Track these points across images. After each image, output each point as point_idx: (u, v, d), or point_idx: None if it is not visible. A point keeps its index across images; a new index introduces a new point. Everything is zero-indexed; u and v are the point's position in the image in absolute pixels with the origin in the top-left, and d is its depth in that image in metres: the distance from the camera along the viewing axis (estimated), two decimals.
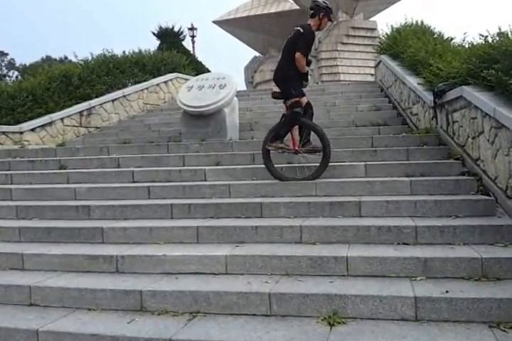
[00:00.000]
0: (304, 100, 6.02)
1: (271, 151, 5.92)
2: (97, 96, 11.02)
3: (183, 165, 6.94)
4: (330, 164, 5.80)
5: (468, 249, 3.98)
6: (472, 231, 4.16)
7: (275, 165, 5.94)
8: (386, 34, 12.39)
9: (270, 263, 4.06)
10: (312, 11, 6.07)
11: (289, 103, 5.92)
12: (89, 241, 4.95)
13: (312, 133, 5.97)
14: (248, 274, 4.06)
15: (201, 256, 4.21)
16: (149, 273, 4.26)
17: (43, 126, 9.51)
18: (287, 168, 6.08)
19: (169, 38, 19.25)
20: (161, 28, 19.91)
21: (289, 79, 5.95)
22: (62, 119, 9.93)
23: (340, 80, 23.47)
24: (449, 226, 4.22)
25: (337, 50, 25.65)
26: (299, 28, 6.00)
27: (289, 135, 6.05)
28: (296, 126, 6.04)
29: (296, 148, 5.97)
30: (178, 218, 5.23)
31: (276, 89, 6.33)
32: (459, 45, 8.09)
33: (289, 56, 5.92)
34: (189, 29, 25.42)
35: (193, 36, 25.73)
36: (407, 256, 3.82)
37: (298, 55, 5.82)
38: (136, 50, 14.15)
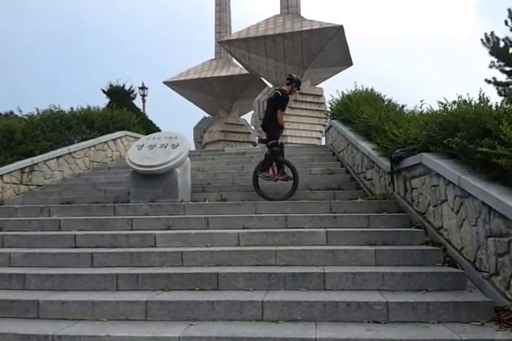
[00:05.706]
0: (278, 142, 8.27)
1: (259, 178, 8.04)
2: (40, 153, 10.42)
3: (131, 229, 6.42)
4: (289, 230, 5.85)
5: (444, 328, 3.70)
6: (446, 308, 3.88)
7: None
8: (337, 100, 12.60)
9: None
10: (288, 81, 8.48)
11: (269, 143, 8.10)
12: (23, 316, 4.35)
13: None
14: None
15: (151, 338, 3.72)
16: None
17: None
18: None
19: (119, 96, 19.05)
20: (111, 85, 19.74)
21: (271, 127, 8.24)
22: (1, 176, 9.24)
23: (287, 143, 23.71)
24: (422, 302, 3.93)
25: (285, 114, 26.05)
26: (277, 91, 8.38)
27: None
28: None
29: (276, 176, 8.19)
30: (124, 290, 4.70)
31: (262, 136, 9.03)
32: (410, 112, 8.24)
33: (271, 111, 8.30)
34: (140, 88, 25.47)
35: (143, 95, 25.71)
36: (382, 338, 3.49)
37: (279, 112, 8.19)
38: (85, 107, 13.81)
